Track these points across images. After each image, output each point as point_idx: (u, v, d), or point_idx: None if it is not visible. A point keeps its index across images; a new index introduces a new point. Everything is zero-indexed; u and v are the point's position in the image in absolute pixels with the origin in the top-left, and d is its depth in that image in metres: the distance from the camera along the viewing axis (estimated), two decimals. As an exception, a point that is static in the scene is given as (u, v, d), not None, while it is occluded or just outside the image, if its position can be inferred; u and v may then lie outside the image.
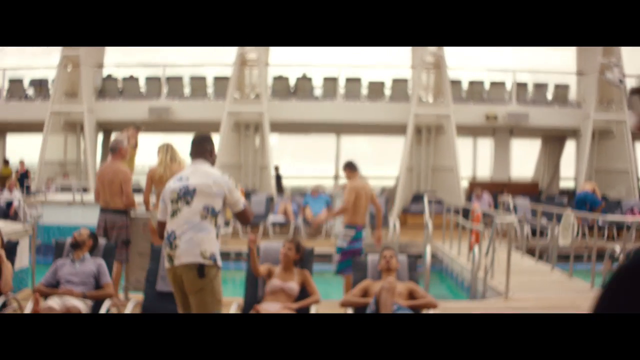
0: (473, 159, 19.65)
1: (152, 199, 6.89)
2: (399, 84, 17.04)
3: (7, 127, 19.07)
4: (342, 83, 17.18)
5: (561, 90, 17.17)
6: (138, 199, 6.99)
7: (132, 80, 17.51)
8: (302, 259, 5.53)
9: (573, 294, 8.18)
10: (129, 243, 6.75)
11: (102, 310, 5.12)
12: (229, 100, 15.99)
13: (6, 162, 18.56)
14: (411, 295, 5.32)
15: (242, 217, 4.41)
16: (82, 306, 5.02)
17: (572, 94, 17.40)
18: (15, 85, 17.56)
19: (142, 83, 17.55)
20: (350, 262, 7.16)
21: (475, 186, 16.53)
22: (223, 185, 4.24)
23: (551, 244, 10.36)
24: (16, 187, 14.25)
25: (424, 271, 7.95)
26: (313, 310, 5.27)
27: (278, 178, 17.46)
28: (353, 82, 17.08)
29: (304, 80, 17.28)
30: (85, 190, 14.13)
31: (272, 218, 13.63)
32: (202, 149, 4.39)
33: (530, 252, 11.41)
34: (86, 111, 16.47)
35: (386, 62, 18.58)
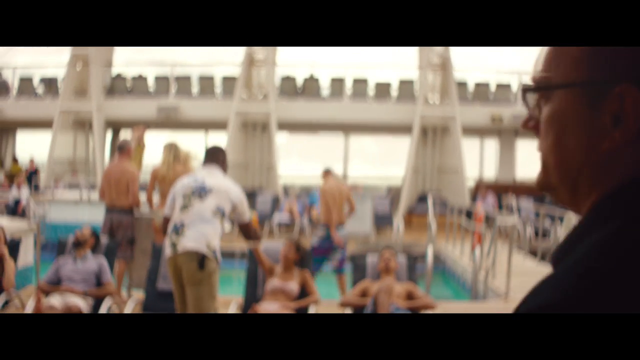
0: (480, 160, 19.66)
1: (155, 198, 6.98)
2: (406, 85, 17.08)
3: (17, 125, 19.24)
4: (349, 84, 17.24)
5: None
6: (142, 197, 7.08)
7: (141, 79, 17.64)
8: (302, 259, 5.59)
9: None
10: (134, 242, 6.86)
11: (103, 308, 5.20)
12: (237, 100, 16.09)
13: (15, 160, 18.73)
14: (410, 296, 5.35)
15: (247, 229, 4.65)
16: (82, 304, 5.10)
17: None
18: (26, 83, 17.73)
19: (150, 82, 17.68)
20: (324, 260, 7.34)
21: (481, 187, 16.55)
22: (237, 192, 4.48)
23: (554, 246, 10.38)
24: (24, 184, 14.39)
25: (426, 272, 8.00)
26: (312, 310, 5.33)
27: None
28: (360, 83, 17.13)
29: (311, 81, 17.36)
30: (93, 187, 14.26)
31: (277, 217, 13.70)
32: (215, 158, 4.61)
33: (533, 253, 11.43)
34: (95, 109, 16.61)
35: (393, 63, 18.62)
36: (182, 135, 19.15)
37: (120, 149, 6.98)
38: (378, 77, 17.40)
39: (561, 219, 10.33)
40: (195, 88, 17.46)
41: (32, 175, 17.10)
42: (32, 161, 17.75)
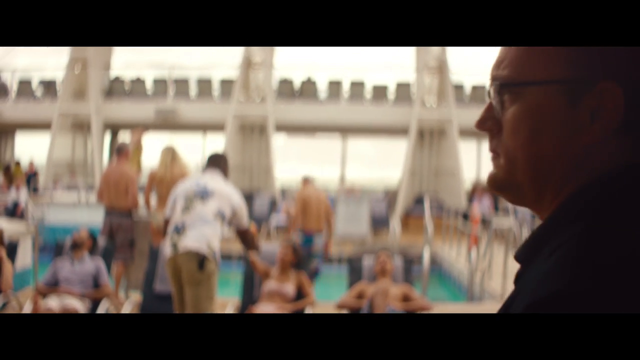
0: (476, 162, 19.68)
1: (152, 201, 7.01)
2: (403, 88, 17.12)
3: (16, 127, 19.26)
4: (346, 86, 17.28)
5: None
6: (140, 200, 7.12)
7: (139, 81, 17.68)
8: (299, 262, 5.63)
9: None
10: (134, 243, 6.90)
11: (100, 310, 5.23)
12: (235, 103, 16.13)
13: (17, 163, 18.77)
14: (406, 298, 5.37)
15: (245, 236, 4.70)
16: (80, 306, 5.13)
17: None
18: (24, 85, 17.76)
19: (149, 84, 17.70)
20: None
21: (477, 189, 16.58)
22: (237, 198, 4.56)
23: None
24: (23, 186, 14.40)
25: (422, 274, 8.04)
26: (309, 311, 5.35)
27: None
28: (357, 86, 17.17)
29: (309, 83, 17.39)
30: (91, 188, 14.29)
31: (274, 219, 13.72)
32: (217, 164, 4.69)
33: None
34: (94, 112, 16.65)
35: (390, 65, 18.64)
36: (180, 137, 19.21)
37: (118, 152, 7.02)
38: (375, 80, 17.43)
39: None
40: (193, 90, 17.48)
41: (31, 177, 17.11)
42: (31, 163, 17.77)
